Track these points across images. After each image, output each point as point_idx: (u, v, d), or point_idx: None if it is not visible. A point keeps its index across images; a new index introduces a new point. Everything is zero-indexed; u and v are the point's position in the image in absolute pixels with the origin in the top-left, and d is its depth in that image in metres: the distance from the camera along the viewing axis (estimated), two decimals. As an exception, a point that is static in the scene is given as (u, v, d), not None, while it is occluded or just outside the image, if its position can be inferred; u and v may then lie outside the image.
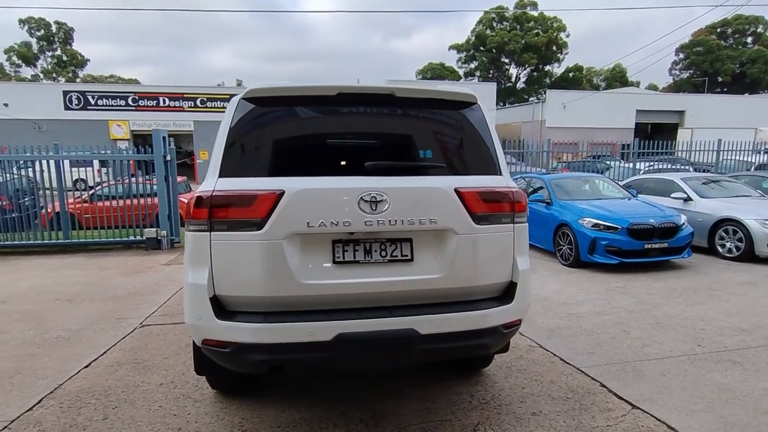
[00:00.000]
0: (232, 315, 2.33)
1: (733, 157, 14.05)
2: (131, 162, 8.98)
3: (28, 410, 3.03)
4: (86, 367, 3.68)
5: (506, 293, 2.61)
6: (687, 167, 13.97)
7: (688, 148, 14.00)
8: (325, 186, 2.38)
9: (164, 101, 26.57)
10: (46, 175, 8.57)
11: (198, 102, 26.79)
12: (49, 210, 8.89)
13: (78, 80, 44.65)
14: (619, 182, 9.73)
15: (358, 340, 2.30)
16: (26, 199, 8.80)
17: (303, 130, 2.68)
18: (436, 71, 50.30)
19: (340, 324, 2.31)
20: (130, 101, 26.21)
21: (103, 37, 74.46)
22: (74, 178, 9.33)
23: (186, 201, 2.91)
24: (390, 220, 2.37)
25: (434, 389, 3.28)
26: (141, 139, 24.56)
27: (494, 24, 49.26)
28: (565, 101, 30.50)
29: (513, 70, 51.94)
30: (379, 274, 2.40)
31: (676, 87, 50.55)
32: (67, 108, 25.67)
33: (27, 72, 46.85)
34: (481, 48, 49.14)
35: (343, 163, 2.60)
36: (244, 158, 2.50)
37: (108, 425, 2.85)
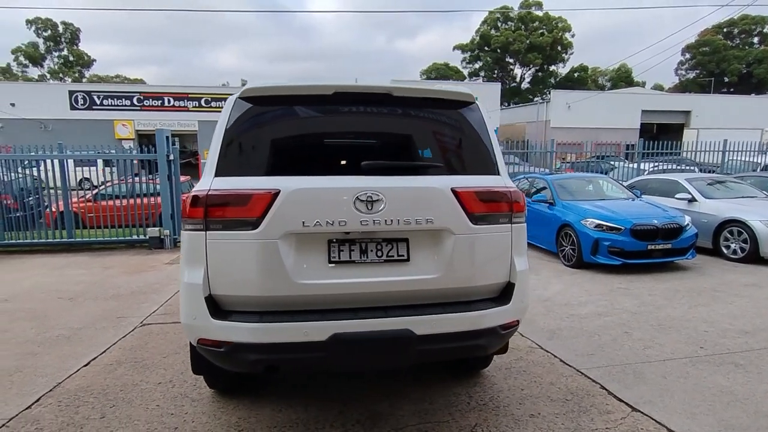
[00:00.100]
0: (228, 314, 2.32)
1: (739, 158, 13.94)
2: (135, 161, 9.03)
3: (26, 408, 3.05)
4: (86, 365, 3.70)
5: (504, 294, 2.59)
6: (692, 168, 13.87)
7: (694, 149, 13.90)
8: (320, 185, 2.36)
9: (169, 101, 26.71)
10: (50, 174, 8.63)
11: (203, 102, 26.90)
12: (53, 209, 8.95)
13: (84, 80, 45.00)
14: (623, 183, 9.66)
15: (354, 340, 2.29)
16: (31, 198, 8.86)
17: (299, 130, 2.67)
18: (441, 71, 50.25)
19: (335, 324, 2.30)
20: (135, 101, 26.38)
21: (109, 37, 75.20)
22: (79, 178, 9.38)
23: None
24: (386, 220, 2.35)
25: (432, 390, 3.26)
26: (146, 139, 24.68)
27: (499, 24, 49.20)
28: (570, 101, 30.39)
29: (518, 70, 51.92)
30: (374, 274, 2.39)
31: (682, 87, 50.25)
32: (72, 108, 25.88)
33: (34, 72, 47.28)
34: (486, 48, 49.10)
35: (339, 162, 2.59)
36: (241, 157, 2.49)
37: (105, 424, 2.85)
